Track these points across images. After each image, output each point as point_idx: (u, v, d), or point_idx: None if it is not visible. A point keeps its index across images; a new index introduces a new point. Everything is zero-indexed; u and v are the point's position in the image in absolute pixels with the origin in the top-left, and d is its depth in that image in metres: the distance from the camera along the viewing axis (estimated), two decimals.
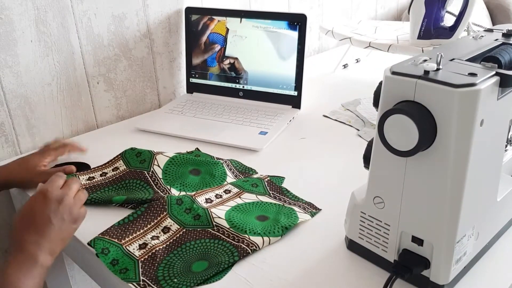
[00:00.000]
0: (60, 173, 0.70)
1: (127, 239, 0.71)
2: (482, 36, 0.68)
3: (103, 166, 0.91)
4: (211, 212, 0.76)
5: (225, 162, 0.91)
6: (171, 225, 0.75)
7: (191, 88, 1.26)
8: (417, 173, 0.57)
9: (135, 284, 0.65)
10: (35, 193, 0.67)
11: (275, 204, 0.79)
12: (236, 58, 1.19)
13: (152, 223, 0.75)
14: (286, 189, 0.84)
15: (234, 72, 1.20)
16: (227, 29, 1.19)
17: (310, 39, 1.66)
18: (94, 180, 0.87)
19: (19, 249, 0.62)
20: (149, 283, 0.65)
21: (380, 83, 0.58)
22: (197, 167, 0.89)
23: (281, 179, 0.88)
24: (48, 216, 0.64)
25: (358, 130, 1.06)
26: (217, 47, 1.20)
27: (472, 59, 0.60)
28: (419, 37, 1.19)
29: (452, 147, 0.53)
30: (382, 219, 0.63)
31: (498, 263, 0.66)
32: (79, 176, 0.87)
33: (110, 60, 1.13)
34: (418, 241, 0.59)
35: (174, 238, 0.73)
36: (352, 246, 0.68)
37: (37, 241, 0.62)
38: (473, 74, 0.53)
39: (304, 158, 0.96)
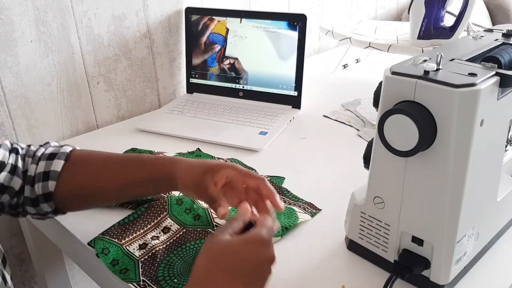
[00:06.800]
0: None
1: (127, 239, 0.71)
2: (482, 36, 0.68)
3: None
4: (211, 212, 0.76)
5: (226, 161, 0.91)
6: (171, 225, 0.75)
7: (191, 88, 1.26)
8: (417, 173, 0.57)
9: (135, 284, 0.65)
10: (253, 239, 0.50)
11: None
12: (236, 58, 1.19)
13: (152, 223, 0.75)
14: (286, 189, 0.84)
15: (234, 72, 1.20)
16: (227, 29, 1.19)
17: (310, 39, 1.66)
18: None
19: None
20: (149, 283, 0.65)
21: (380, 83, 0.58)
22: None
23: (281, 179, 0.88)
24: (258, 286, 0.50)
25: (358, 130, 1.06)
26: (217, 47, 1.20)
27: (472, 59, 0.60)
28: (419, 37, 1.19)
29: (452, 147, 0.53)
30: (382, 219, 0.63)
31: (498, 263, 0.66)
32: None
33: (110, 60, 1.13)
34: (418, 241, 0.59)
35: (174, 238, 0.73)
36: (352, 246, 0.68)
37: None
38: (473, 74, 0.53)
39: (304, 158, 0.96)
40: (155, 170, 0.67)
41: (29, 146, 0.72)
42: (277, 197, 0.60)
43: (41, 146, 0.72)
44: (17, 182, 0.67)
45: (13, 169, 0.67)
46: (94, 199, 0.70)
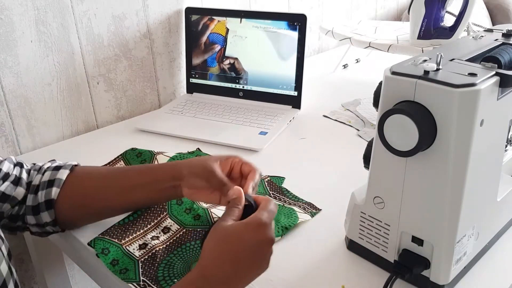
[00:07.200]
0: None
1: (127, 239, 0.71)
2: (482, 36, 0.68)
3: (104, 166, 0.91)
4: (211, 212, 0.76)
5: None
6: (171, 225, 0.75)
7: (191, 88, 1.26)
8: (417, 173, 0.57)
9: (135, 284, 0.65)
10: (253, 223, 0.54)
11: None
12: (236, 58, 1.19)
13: (152, 223, 0.75)
14: (286, 189, 0.84)
15: (234, 72, 1.20)
16: (227, 29, 1.19)
17: (310, 39, 1.66)
18: None
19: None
20: (149, 283, 0.65)
21: (380, 83, 0.58)
22: None
23: (281, 179, 0.88)
24: (260, 265, 0.55)
25: (358, 130, 1.06)
26: (217, 47, 1.20)
27: (472, 59, 0.60)
28: (419, 37, 1.19)
29: (452, 147, 0.53)
30: (382, 219, 0.63)
31: (498, 263, 0.66)
32: None
33: (110, 60, 1.13)
34: (418, 241, 0.59)
35: (174, 238, 0.73)
36: (352, 246, 0.68)
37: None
38: (473, 74, 0.53)
39: (304, 158, 0.96)
40: (159, 171, 0.70)
41: (34, 164, 0.74)
42: (252, 181, 0.64)
43: (47, 162, 0.75)
44: (20, 192, 0.69)
45: (17, 180, 0.69)
46: (96, 209, 0.72)
